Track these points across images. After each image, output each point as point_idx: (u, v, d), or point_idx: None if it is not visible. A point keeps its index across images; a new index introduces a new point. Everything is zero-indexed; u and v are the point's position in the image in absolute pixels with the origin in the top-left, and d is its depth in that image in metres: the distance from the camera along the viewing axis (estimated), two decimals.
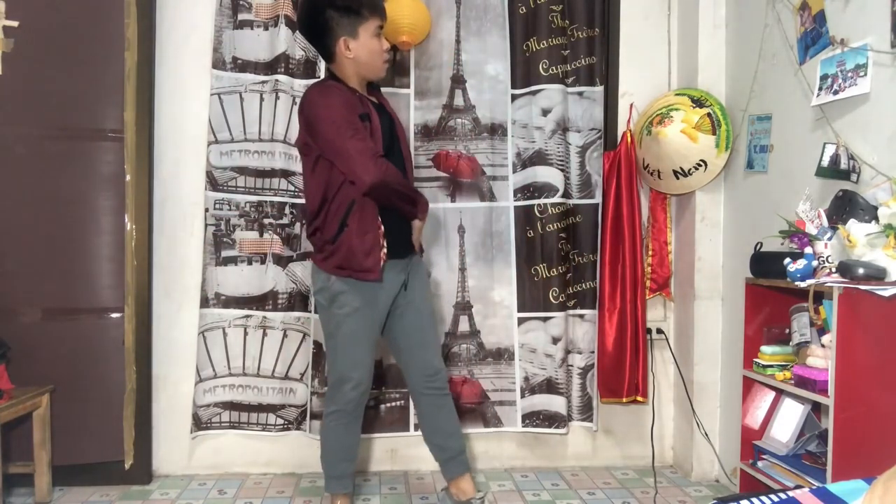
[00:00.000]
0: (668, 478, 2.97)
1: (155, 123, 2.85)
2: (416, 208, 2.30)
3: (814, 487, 1.16)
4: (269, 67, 2.85)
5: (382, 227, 2.21)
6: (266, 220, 2.87)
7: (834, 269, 1.94)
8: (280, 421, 2.90)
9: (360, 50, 2.23)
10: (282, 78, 2.82)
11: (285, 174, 2.87)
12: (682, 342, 3.04)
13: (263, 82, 2.84)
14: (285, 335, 2.88)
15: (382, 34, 2.28)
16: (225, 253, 2.86)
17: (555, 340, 2.95)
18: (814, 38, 2.30)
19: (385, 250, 2.22)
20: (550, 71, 2.93)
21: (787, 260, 2.07)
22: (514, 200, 2.98)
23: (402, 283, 2.34)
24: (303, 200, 2.83)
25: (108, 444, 2.73)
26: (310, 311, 2.87)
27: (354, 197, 2.17)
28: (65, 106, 2.67)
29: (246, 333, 2.87)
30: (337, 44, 2.23)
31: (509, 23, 2.95)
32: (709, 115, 2.74)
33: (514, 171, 2.98)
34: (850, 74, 2.10)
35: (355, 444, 2.41)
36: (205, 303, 2.85)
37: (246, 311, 2.87)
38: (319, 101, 2.18)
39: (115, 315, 2.73)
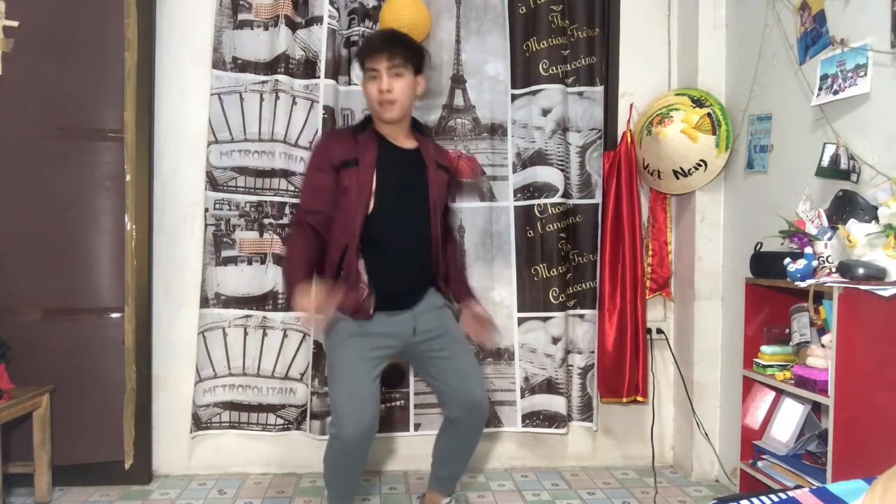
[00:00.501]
0: (668, 478, 2.97)
1: (155, 123, 2.85)
2: (288, 290, 2.18)
3: (814, 487, 1.16)
4: (269, 67, 2.85)
5: (364, 279, 2.17)
6: (266, 220, 2.87)
7: (834, 269, 1.94)
8: (280, 421, 2.90)
9: (365, 95, 2.23)
10: (282, 78, 2.82)
11: (285, 174, 2.87)
12: (682, 342, 3.04)
13: (263, 82, 2.84)
14: (285, 335, 2.88)
15: (380, 75, 2.15)
16: (225, 253, 2.86)
17: (555, 340, 2.95)
18: (814, 38, 2.30)
19: (373, 299, 2.17)
20: (550, 71, 2.93)
21: (787, 260, 2.07)
22: (514, 200, 2.98)
23: (409, 328, 2.24)
24: None
25: (108, 444, 2.73)
26: None
27: (347, 241, 2.16)
28: (65, 106, 2.67)
29: (246, 333, 2.87)
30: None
31: (509, 23, 2.95)
32: (709, 115, 2.74)
33: (514, 171, 2.98)
34: (850, 74, 2.10)
35: (360, 473, 2.28)
36: (205, 303, 2.85)
37: (246, 311, 2.87)
38: (314, 145, 2.35)
39: (115, 315, 2.73)
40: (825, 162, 2.11)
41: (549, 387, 2.96)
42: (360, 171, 2.16)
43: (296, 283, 2.11)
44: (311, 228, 2.20)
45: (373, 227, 2.17)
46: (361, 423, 2.10)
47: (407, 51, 2.20)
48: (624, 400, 2.98)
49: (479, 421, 2.31)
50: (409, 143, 2.28)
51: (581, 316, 3.00)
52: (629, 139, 2.98)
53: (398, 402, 2.96)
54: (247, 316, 2.86)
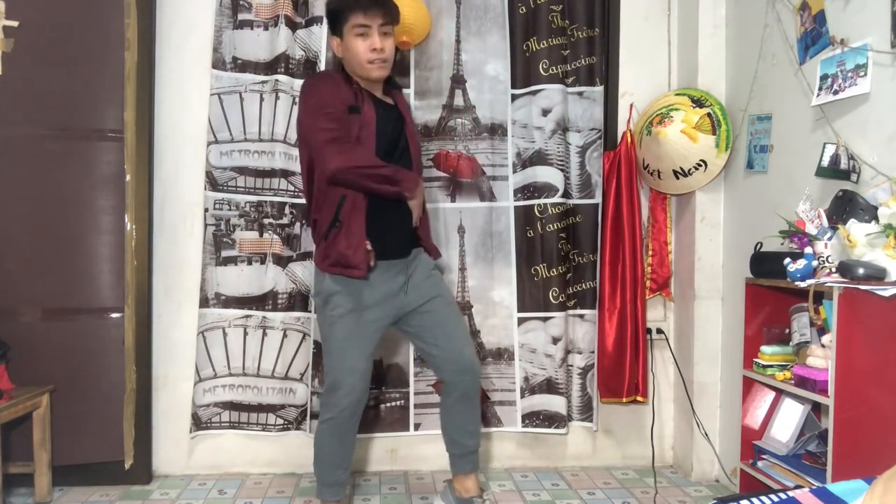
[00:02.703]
0: (668, 478, 2.97)
1: (155, 123, 2.85)
2: (398, 186, 2.16)
3: (814, 487, 1.16)
4: (269, 67, 2.85)
5: (364, 225, 2.16)
6: (266, 220, 2.87)
7: (834, 269, 1.93)
8: (280, 421, 2.90)
9: (346, 51, 2.22)
10: (282, 78, 2.82)
11: (285, 174, 2.87)
12: (682, 342, 3.04)
13: (263, 82, 2.84)
14: (285, 335, 2.88)
15: (371, 32, 2.16)
16: (225, 253, 2.86)
17: (555, 340, 2.95)
18: (814, 38, 2.30)
19: (369, 248, 2.16)
20: (550, 71, 2.93)
21: (787, 260, 2.07)
22: (514, 200, 2.98)
23: (401, 285, 2.27)
24: (301, 200, 2.85)
25: (108, 444, 2.73)
26: (310, 311, 2.87)
27: (344, 192, 2.15)
28: (65, 106, 2.67)
29: (246, 333, 2.87)
30: (332, 43, 2.30)
31: (509, 23, 2.95)
32: (709, 115, 2.74)
33: (514, 171, 2.98)
34: (850, 74, 2.10)
35: (350, 452, 2.33)
36: (205, 303, 2.85)
37: (246, 311, 2.87)
38: (308, 87, 2.24)
39: (115, 315, 2.73)
40: (825, 162, 2.11)
41: (549, 387, 2.96)
42: (364, 121, 2.17)
43: (401, 172, 2.18)
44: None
45: None
46: (357, 394, 2.22)
47: (395, 10, 2.25)
48: (624, 400, 2.98)
49: (472, 382, 2.35)
50: (386, 98, 2.30)
51: (581, 316, 3.00)
52: (629, 139, 2.98)
53: (398, 402, 2.96)
54: (247, 316, 2.86)
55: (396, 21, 2.26)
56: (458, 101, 2.97)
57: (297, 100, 2.81)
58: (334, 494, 2.33)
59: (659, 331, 3.09)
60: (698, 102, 2.78)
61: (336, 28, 2.24)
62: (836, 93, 2.15)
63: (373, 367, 2.29)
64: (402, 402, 2.96)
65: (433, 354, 2.36)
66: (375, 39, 2.16)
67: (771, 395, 2.37)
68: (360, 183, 2.13)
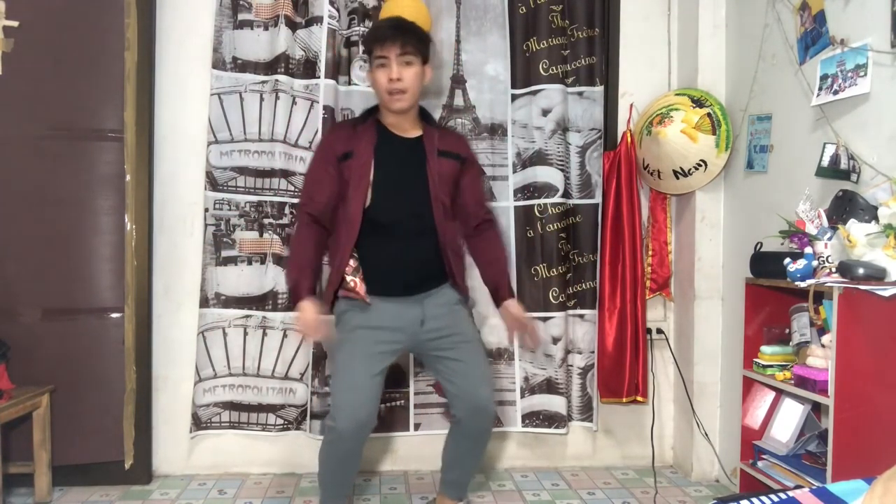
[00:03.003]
0: (668, 478, 2.97)
1: (155, 123, 2.85)
2: (290, 292, 2.24)
3: (814, 487, 1.16)
4: (269, 67, 2.85)
5: (352, 267, 2.16)
6: (266, 220, 2.87)
7: (834, 269, 1.94)
8: (280, 421, 2.90)
9: (373, 84, 2.20)
10: (282, 78, 2.82)
11: (285, 174, 2.87)
12: (682, 342, 3.04)
13: (263, 82, 2.84)
14: (285, 335, 2.88)
15: (389, 63, 2.11)
16: (225, 253, 2.86)
17: (555, 340, 2.95)
18: (814, 38, 2.30)
19: (362, 284, 2.15)
20: (550, 71, 2.93)
21: (787, 260, 2.07)
22: (514, 200, 2.98)
23: (417, 317, 2.19)
24: None
25: (108, 444, 2.73)
26: None
27: (347, 233, 2.16)
28: (65, 106, 2.67)
29: (246, 333, 2.87)
30: (369, 79, 2.29)
31: (509, 23, 2.95)
32: (709, 115, 2.74)
33: (514, 171, 2.98)
34: (850, 74, 2.10)
35: (351, 476, 2.26)
36: (205, 303, 2.85)
37: (246, 311, 2.86)
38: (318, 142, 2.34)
39: (115, 315, 2.72)
40: (825, 162, 2.11)
41: (549, 387, 2.96)
42: (355, 162, 2.14)
43: (300, 292, 2.11)
44: (311, 219, 2.19)
45: (372, 217, 2.14)
46: (357, 417, 2.07)
47: (417, 39, 2.16)
48: (624, 400, 2.98)
49: (483, 424, 2.26)
50: (413, 133, 2.23)
51: (581, 316, 3.00)
52: (629, 139, 2.98)
53: (398, 402, 2.96)
54: (247, 316, 2.86)
55: (420, 49, 2.16)
56: (458, 101, 2.97)
57: (297, 100, 2.84)
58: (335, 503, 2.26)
59: (659, 331, 3.09)
60: (698, 102, 2.78)
61: (369, 63, 2.22)
62: (836, 93, 2.15)
63: (375, 400, 2.14)
64: (402, 402, 2.96)
65: (448, 390, 2.27)
66: (392, 69, 2.11)
67: (771, 395, 2.37)
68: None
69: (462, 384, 2.22)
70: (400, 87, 2.12)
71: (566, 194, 2.96)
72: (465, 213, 2.31)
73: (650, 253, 3.07)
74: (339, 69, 2.87)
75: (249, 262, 2.87)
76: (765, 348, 2.26)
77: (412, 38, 2.14)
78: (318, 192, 2.20)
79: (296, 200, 2.86)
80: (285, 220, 2.87)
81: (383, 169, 2.16)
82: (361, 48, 2.86)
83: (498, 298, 2.34)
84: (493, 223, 2.41)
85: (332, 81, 2.84)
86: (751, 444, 2.35)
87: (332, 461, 2.18)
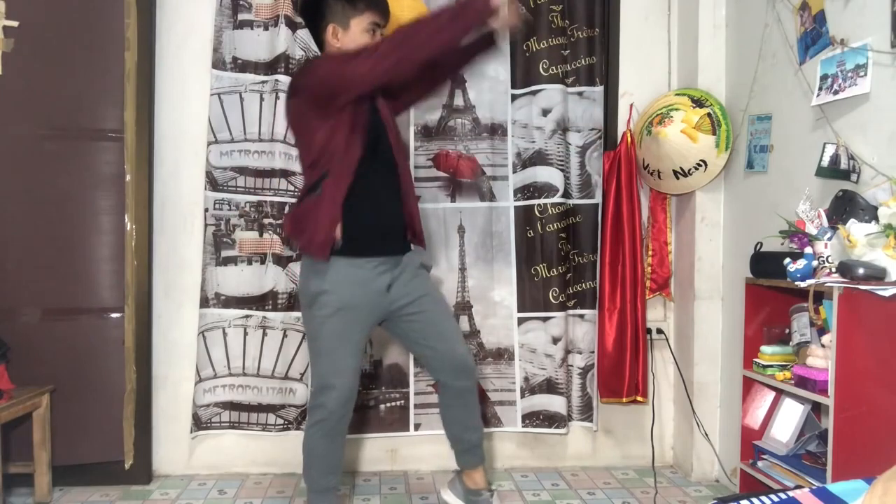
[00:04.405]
0: (668, 478, 2.97)
1: (155, 123, 2.85)
2: (468, 13, 1.89)
3: (814, 487, 1.16)
4: (269, 67, 2.85)
5: (340, 199, 2.07)
6: (266, 220, 2.87)
7: (834, 269, 1.94)
8: (280, 421, 2.90)
9: (349, 43, 2.12)
10: (282, 78, 2.82)
11: (285, 174, 2.87)
12: (682, 342, 3.04)
13: (263, 82, 2.84)
14: (285, 335, 2.88)
15: (379, 34, 2.13)
16: (225, 253, 2.86)
17: (555, 340, 2.95)
18: (814, 38, 2.30)
19: (339, 233, 2.07)
20: (550, 71, 2.93)
21: (787, 260, 2.07)
22: (514, 200, 2.98)
23: (387, 284, 2.17)
24: None
25: (108, 444, 2.73)
26: None
27: (328, 168, 2.07)
28: (65, 106, 2.67)
29: (246, 333, 2.87)
30: (326, 30, 2.14)
31: None
32: (709, 115, 2.74)
33: (514, 171, 2.98)
34: (850, 74, 2.10)
35: (340, 455, 2.23)
36: (205, 303, 2.85)
37: (246, 311, 2.86)
38: (307, 68, 2.21)
39: (115, 315, 2.72)
40: (825, 162, 2.11)
41: (549, 387, 2.96)
42: (356, 112, 2.07)
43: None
44: None
45: (358, 171, 2.09)
46: (346, 393, 2.14)
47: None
48: (624, 400, 2.98)
49: (467, 379, 2.29)
50: None
51: (581, 316, 3.00)
52: (629, 139, 2.98)
53: (398, 402, 2.96)
54: (247, 316, 2.86)
55: None
56: (458, 101, 2.97)
57: None
58: (328, 501, 2.21)
59: (659, 331, 3.09)
60: (698, 102, 2.78)
61: (341, 16, 2.12)
62: (836, 93, 2.15)
63: (370, 368, 2.27)
64: (402, 402, 2.96)
65: (426, 355, 2.30)
66: (378, 40, 2.11)
67: (771, 395, 2.37)
68: (423, 48, 1.91)
69: (438, 346, 2.25)
70: None
71: (566, 194, 2.96)
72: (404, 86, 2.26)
73: (650, 253, 3.07)
74: None
75: (249, 262, 2.87)
76: (765, 348, 2.26)
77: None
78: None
79: (296, 200, 2.86)
80: None
81: (366, 124, 2.11)
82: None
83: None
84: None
85: None
86: (751, 444, 2.35)
87: (321, 443, 2.18)
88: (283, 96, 2.81)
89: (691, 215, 2.95)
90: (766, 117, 2.59)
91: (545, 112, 2.94)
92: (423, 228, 2.32)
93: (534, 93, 2.94)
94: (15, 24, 2.61)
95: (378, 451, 3.00)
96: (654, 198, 3.05)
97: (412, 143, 2.92)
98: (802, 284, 1.97)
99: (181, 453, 2.92)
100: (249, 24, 2.86)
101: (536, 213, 2.95)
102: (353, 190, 2.08)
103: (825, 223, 2.07)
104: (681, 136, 2.73)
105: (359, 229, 2.11)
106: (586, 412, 3.01)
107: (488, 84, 2.98)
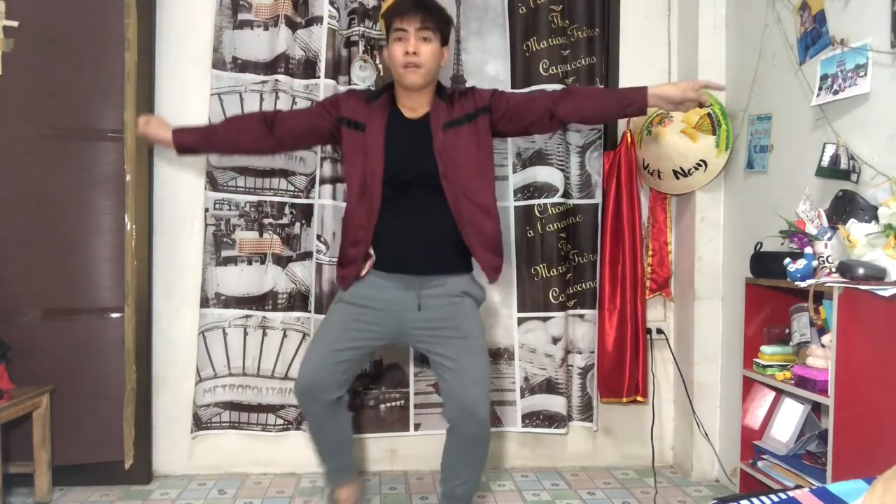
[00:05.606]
0: (668, 478, 2.97)
1: None
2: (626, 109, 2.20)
3: (814, 487, 1.16)
4: (269, 67, 2.84)
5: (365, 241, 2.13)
6: (266, 220, 2.87)
7: (834, 269, 1.94)
8: (280, 421, 2.90)
9: (388, 58, 2.16)
10: (282, 78, 2.82)
11: (285, 174, 2.87)
12: (682, 342, 3.04)
13: (263, 82, 2.84)
14: (285, 335, 2.88)
15: (407, 36, 2.08)
16: (225, 253, 2.86)
17: (555, 340, 2.95)
18: (814, 38, 2.30)
19: (370, 252, 2.13)
20: (550, 71, 2.93)
21: (787, 260, 2.07)
22: (514, 200, 2.98)
23: (411, 300, 2.13)
24: (301, 200, 2.88)
25: (108, 444, 2.72)
26: (310, 312, 2.87)
27: (367, 207, 2.13)
28: (65, 106, 2.67)
29: (246, 333, 2.87)
30: (383, 55, 2.31)
31: (509, 23, 2.95)
32: (709, 115, 2.74)
33: (514, 171, 2.98)
34: (850, 74, 2.10)
35: (331, 443, 2.28)
36: (205, 303, 2.85)
37: (246, 311, 2.86)
38: None
39: (115, 315, 2.72)
40: (825, 162, 2.11)
41: (549, 387, 2.96)
42: (368, 137, 2.12)
43: (178, 133, 2.23)
44: (262, 115, 2.34)
45: (384, 192, 2.12)
46: (305, 380, 2.14)
47: (438, 17, 2.13)
48: (624, 400, 2.98)
49: (472, 429, 2.10)
50: (422, 112, 2.17)
51: (581, 316, 3.00)
52: (629, 139, 2.98)
53: (398, 402, 2.96)
54: (247, 316, 2.86)
55: (440, 27, 2.13)
56: None
57: (297, 100, 2.83)
58: (331, 482, 2.38)
59: (659, 331, 3.09)
60: None
61: (387, 39, 2.18)
62: (836, 93, 2.15)
63: (370, 368, 2.25)
64: (402, 402, 2.96)
65: (441, 386, 2.17)
66: (410, 42, 2.07)
67: (771, 395, 2.37)
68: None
69: (452, 381, 2.11)
70: (415, 60, 2.08)
71: (566, 194, 2.96)
72: (540, 119, 2.19)
73: (650, 253, 3.07)
74: (338, 69, 2.87)
75: (249, 262, 2.87)
76: (765, 348, 2.26)
77: (433, 15, 2.12)
78: (296, 112, 2.44)
79: (296, 200, 2.87)
80: (285, 220, 2.87)
81: (392, 150, 2.12)
82: (362, 47, 2.86)
83: (639, 107, 2.15)
84: (568, 91, 2.38)
85: (332, 81, 2.84)
86: (751, 444, 2.35)
87: (310, 427, 2.28)
88: (283, 96, 2.82)
89: (691, 215, 2.95)
90: (766, 117, 2.59)
91: None
92: (491, 257, 2.18)
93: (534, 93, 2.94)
94: (15, 24, 2.61)
95: (378, 451, 3.00)
96: (654, 198, 3.05)
97: None
98: (802, 284, 1.97)
99: (181, 453, 2.92)
100: (249, 25, 2.86)
101: (536, 212, 2.94)
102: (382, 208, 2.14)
103: (825, 223, 2.07)
104: (681, 136, 2.73)
105: (378, 246, 2.15)
106: (586, 412, 3.01)
107: (488, 84, 2.95)
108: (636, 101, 2.14)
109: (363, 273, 2.14)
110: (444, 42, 2.18)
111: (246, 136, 2.27)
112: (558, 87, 2.91)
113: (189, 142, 2.25)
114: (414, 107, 2.18)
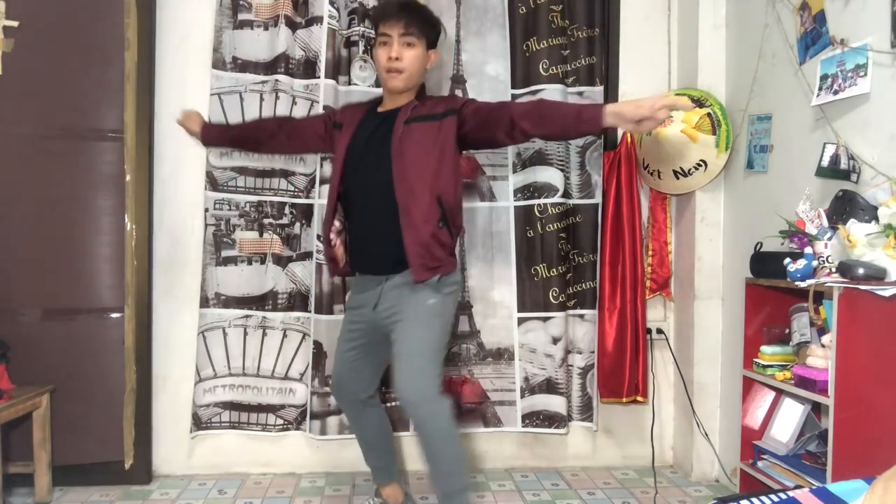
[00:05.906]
0: (668, 478, 2.97)
1: (155, 123, 2.85)
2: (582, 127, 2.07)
3: (814, 487, 1.16)
4: (269, 67, 2.84)
5: (336, 224, 2.25)
6: (266, 220, 2.87)
7: (834, 269, 1.94)
8: (280, 421, 2.90)
9: (375, 61, 2.25)
10: (282, 78, 2.82)
11: (285, 174, 2.87)
12: (682, 342, 3.04)
13: (263, 82, 2.84)
14: (285, 335, 2.88)
15: (391, 41, 2.13)
16: (225, 253, 2.86)
17: (555, 340, 2.95)
18: (814, 38, 2.30)
19: (341, 249, 2.26)
20: (550, 71, 2.93)
21: (787, 260, 2.07)
22: (514, 200, 2.98)
23: (375, 299, 2.19)
24: (301, 200, 2.88)
25: (108, 444, 2.73)
26: (309, 312, 2.87)
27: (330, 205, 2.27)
28: (65, 106, 2.67)
29: (246, 333, 2.87)
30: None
31: (509, 23, 2.95)
32: (709, 115, 2.74)
33: (514, 171, 2.98)
34: (850, 74, 2.10)
35: (370, 440, 2.43)
36: (205, 303, 2.85)
37: (246, 311, 2.87)
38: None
39: (115, 315, 2.72)
40: (825, 162, 2.11)
41: (549, 387, 2.96)
42: (341, 136, 2.25)
43: (206, 125, 2.52)
44: (276, 119, 2.62)
45: (345, 190, 2.22)
46: (333, 378, 2.42)
47: (422, 22, 2.16)
48: (624, 400, 2.98)
49: (412, 415, 2.07)
50: (395, 107, 2.19)
51: (581, 316, 3.00)
52: (629, 139, 2.98)
53: (398, 402, 2.95)
54: (247, 316, 2.86)
55: (424, 32, 2.15)
56: None
57: (296, 100, 2.83)
58: (375, 479, 2.51)
59: (659, 331, 3.09)
60: (698, 102, 2.78)
61: (375, 42, 2.24)
62: (836, 93, 2.15)
63: (356, 371, 2.31)
64: None
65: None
66: (393, 48, 2.12)
67: (771, 395, 2.37)
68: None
69: (395, 366, 2.08)
70: (397, 66, 2.13)
71: (566, 194, 2.96)
72: (504, 128, 2.09)
73: (650, 253, 3.07)
74: (339, 69, 2.87)
75: (249, 262, 2.87)
76: (765, 348, 2.26)
77: (417, 20, 2.15)
78: (304, 120, 2.59)
79: (296, 200, 2.87)
80: (285, 220, 2.87)
81: (356, 144, 2.20)
82: (362, 47, 2.87)
83: (596, 121, 2.00)
84: (537, 103, 2.24)
85: (332, 81, 2.84)
86: (751, 444, 2.35)
87: (350, 426, 2.52)
88: (283, 96, 2.82)
89: (691, 215, 2.95)
90: (766, 117, 2.59)
91: None
92: (423, 254, 2.09)
93: (534, 93, 2.94)
94: (15, 24, 2.61)
95: None
96: (654, 198, 3.05)
97: None
98: (802, 284, 1.97)
99: (181, 453, 2.92)
100: (249, 24, 2.86)
101: (536, 212, 2.94)
102: (347, 211, 2.27)
103: (825, 223, 2.07)
104: (681, 136, 2.73)
105: (351, 248, 2.28)
106: (586, 412, 3.01)
107: (488, 84, 2.98)
108: (592, 117, 1.99)
109: (341, 265, 2.29)
110: (432, 45, 2.21)
111: (260, 134, 2.47)
112: (558, 86, 2.92)
113: (212, 136, 2.54)
114: (394, 107, 2.23)
